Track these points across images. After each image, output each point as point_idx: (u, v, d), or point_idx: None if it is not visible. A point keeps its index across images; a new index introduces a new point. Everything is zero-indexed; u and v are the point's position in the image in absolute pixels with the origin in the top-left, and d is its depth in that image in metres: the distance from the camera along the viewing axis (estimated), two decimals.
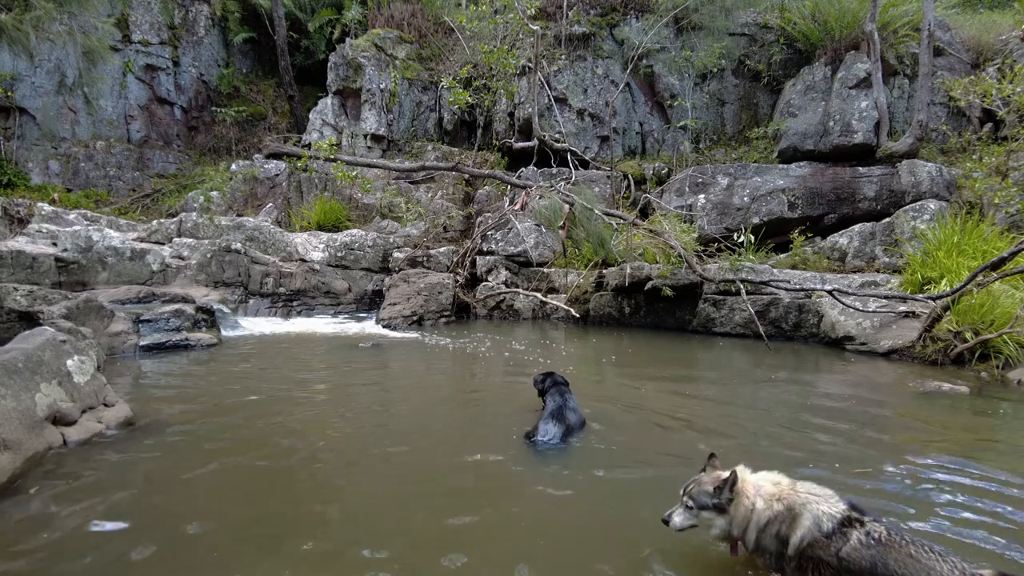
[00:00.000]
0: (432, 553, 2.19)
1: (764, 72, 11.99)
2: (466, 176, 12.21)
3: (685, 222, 9.54)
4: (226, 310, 7.98)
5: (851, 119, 9.83)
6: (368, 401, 4.48)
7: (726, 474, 1.80)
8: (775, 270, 8.22)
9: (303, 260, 9.87)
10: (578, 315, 8.92)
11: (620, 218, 9.36)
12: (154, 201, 12.69)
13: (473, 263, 10.41)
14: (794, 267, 8.79)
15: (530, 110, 11.73)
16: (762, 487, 1.79)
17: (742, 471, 1.83)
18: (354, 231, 10.85)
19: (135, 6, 13.45)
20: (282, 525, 2.40)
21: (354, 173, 10.58)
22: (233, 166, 12.39)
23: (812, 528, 1.61)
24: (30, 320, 5.61)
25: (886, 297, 6.95)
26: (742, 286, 7.54)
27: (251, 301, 8.96)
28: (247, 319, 8.32)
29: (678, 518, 1.89)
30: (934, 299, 6.18)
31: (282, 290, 9.20)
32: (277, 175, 12.57)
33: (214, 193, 11.37)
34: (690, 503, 1.86)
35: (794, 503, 1.69)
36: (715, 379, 5.57)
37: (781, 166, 10.23)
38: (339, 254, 10.19)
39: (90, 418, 3.39)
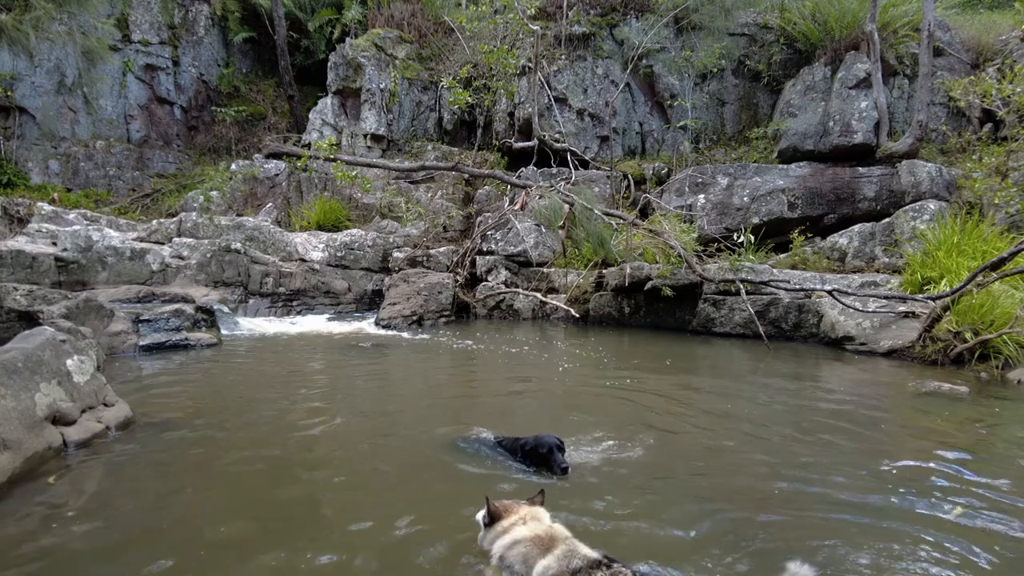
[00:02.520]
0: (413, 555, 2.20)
1: (764, 72, 11.98)
2: (466, 176, 12.20)
3: (685, 222, 9.54)
4: (226, 310, 7.98)
5: (851, 119, 9.83)
6: (367, 401, 4.48)
7: (511, 508, 2.08)
8: (775, 270, 8.22)
9: (303, 260, 9.87)
10: (578, 315, 8.92)
11: (620, 218, 9.36)
12: (154, 201, 12.69)
13: (473, 263, 10.41)
14: (794, 267, 8.79)
15: (530, 110, 11.73)
16: (533, 525, 1.98)
17: (532, 511, 2.07)
18: (354, 231, 10.85)
19: (135, 6, 13.43)
20: (279, 523, 2.40)
21: (354, 173, 10.57)
22: (233, 166, 12.39)
23: (560, 562, 1.78)
24: (30, 320, 5.61)
25: (886, 297, 6.95)
26: (742, 286, 7.54)
27: (251, 301, 8.96)
28: (247, 319, 8.32)
29: (480, 513, 2.16)
30: (934, 299, 6.18)
31: (282, 290, 9.20)
32: (277, 175, 12.56)
33: (214, 193, 11.36)
34: (486, 508, 2.11)
35: (556, 538, 1.88)
36: (714, 379, 5.57)
37: (781, 166, 10.23)
38: (339, 254, 10.19)
39: (90, 418, 3.39)
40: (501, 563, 1.93)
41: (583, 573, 1.72)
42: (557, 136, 12.18)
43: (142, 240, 9.38)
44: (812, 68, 10.99)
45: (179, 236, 9.60)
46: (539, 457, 2.90)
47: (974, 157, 9.46)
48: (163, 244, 9.27)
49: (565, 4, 12.81)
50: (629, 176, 11.54)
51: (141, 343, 6.10)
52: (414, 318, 8.55)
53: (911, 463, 3.20)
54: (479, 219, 11.19)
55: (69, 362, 3.45)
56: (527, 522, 2.00)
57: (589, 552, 1.80)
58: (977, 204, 8.66)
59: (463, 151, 13.12)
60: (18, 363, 3.06)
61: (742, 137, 12.25)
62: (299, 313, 9.22)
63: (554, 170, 11.62)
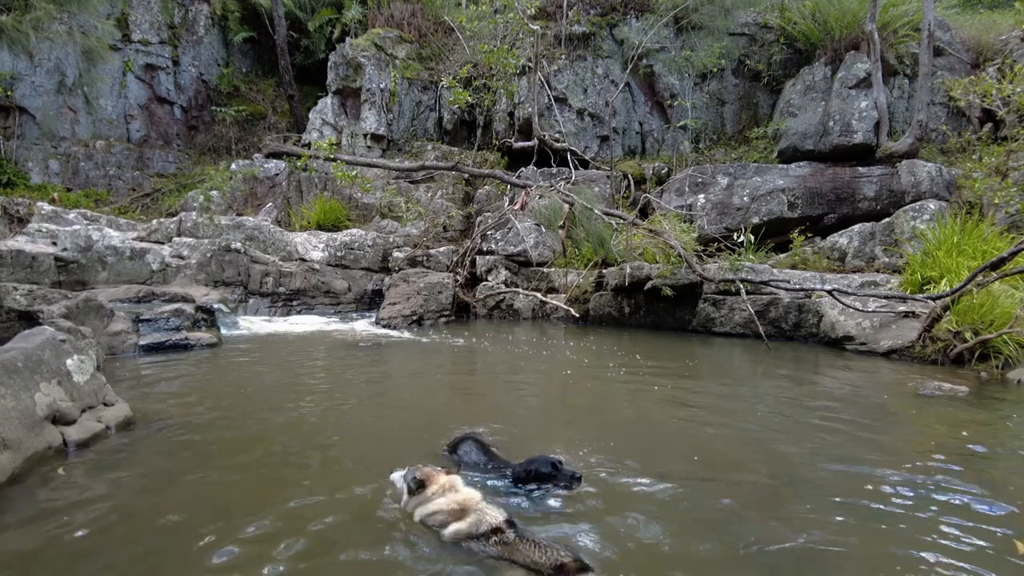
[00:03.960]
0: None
1: (764, 72, 11.98)
2: (466, 176, 12.20)
3: (685, 222, 9.54)
4: (226, 309, 7.98)
5: (851, 119, 9.83)
6: (366, 402, 4.48)
7: (433, 476, 2.42)
8: (775, 270, 8.22)
9: (303, 259, 9.87)
10: (578, 315, 8.92)
11: (620, 218, 9.35)
12: (154, 201, 12.69)
13: (473, 263, 10.41)
14: (794, 267, 8.78)
15: (530, 110, 11.73)
16: (450, 495, 2.34)
17: (451, 479, 2.42)
18: (354, 231, 10.85)
19: (135, 5, 13.43)
20: (276, 522, 2.40)
21: (354, 173, 10.57)
22: (233, 165, 12.39)
23: (469, 528, 2.22)
24: (30, 319, 5.61)
25: (886, 297, 6.95)
26: (742, 286, 7.54)
27: (251, 300, 8.96)
28: (247, 318, 8.31)
29: (396, 475, 2.57)
30: (934, 299, 6.18)
31: (282, 289, 9.20)
32: (277, 175, 12.56)
33: (214, 192, 11.36)
34: (405, 475, 2.49)
35: (468, 508, 2.28)
36: (715, 379, 5.57)
37: (781, 166, 10.23)
38: (339, 254, 10.19)
39: (90, 417, 3.39)
40: (424, 526, 2.33)
41: (485, 536, 2.17)
42: (557, 136, 12.17)
43: (142, 240, 9.38)
44: (812, 68, 10.99)
45: (179, 236, 9.59)
46: (542, 476, 2.74)
47: (974, 157, 9.47)
48: (163, 244, 9.27)
49: (565, 4, 12.81)
50: (629, 176, 11.54)
51: (141, 343, 6.10)
52: (414, 318, 8.55)
53: (908, 463, 3.20)
54: (479, 219, 11.18)
55: (69, 362, 3.45)
56: (445, 493, 2.35)
57: (492, 520, 2.21)
58: (977, 204, 8.66)
59: (463, 151, 13.12)
60: (18, 363, 3.06)
61: (742, 137, 12.24)
62: (299, 313, 9.22)
63: (554, 170, 11.62)
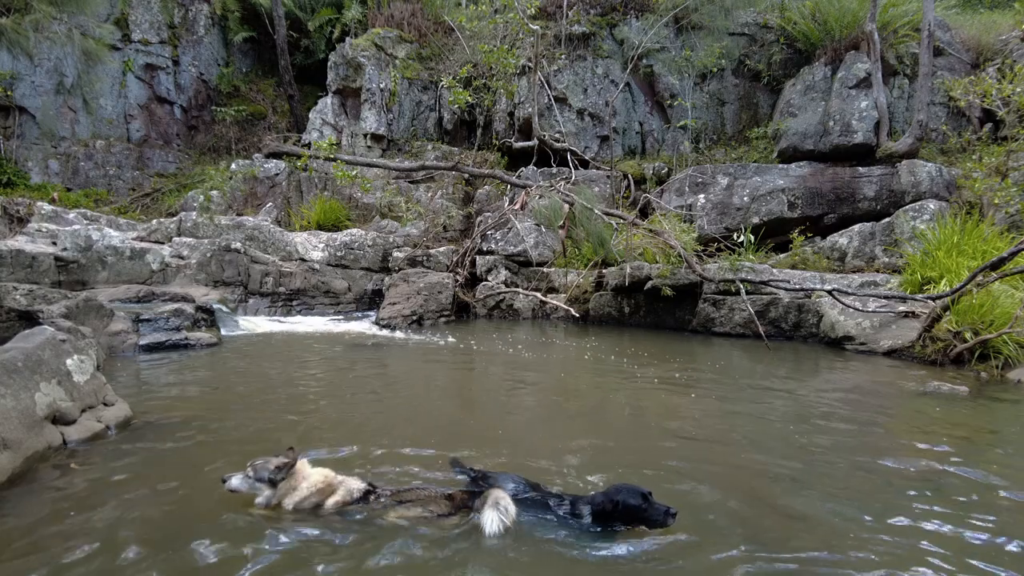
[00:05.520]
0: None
1: (764, 72, 11.98)
2: (466, 176, 12.20)
3: (685, 222, 9.54)
4: (226, 309, 7.98)
5: (851, 119, 9.83)
6: (366, 403, 4.48)
7: (287, 460, 2.43)
8: (775, 270, 8.22)
9: (303, 259, 9.87)
10: (578, 315, 8.92)
11: (620, 218, 9.36)
12: (154, 200, 12.69)
13: (473, 263, 10.41)
14: (794, 267, 8.79)
15: (530, 110, 11.73)
16: (311, 476, 2.46)
17: (302, 463, 2.49)
18: (354, 230, 10.85)
19: (135, 5, 13.43)
20: (274, 524, 2.40)
21: (354, 172, 10.57)
22: (233, 165, 12.39)
23: (345, 496, 2.42)
24: (30, 319, 5.61)
25: (886, 297, 6.95)
26: (742, 286, 7.54)
27: (251, 300, 8.96)
28: (247, 318, 8.31)
29: (236, 480, 2.43)
30: (934, 299, 6.19)
31: (282, 289, 9.20)
32: (277, 174, 12.57)
33: (214, 192, 11.36)
34: (251, 473, 2.42)
35: (333, 485, 2.44)
36: (715, 380, 5.57)
37: (781, 166, 10.23)
38: (339, 253, 10.19)
39: (90, 417, 3.39)
40: (295, 510, 2.40)
41: (360, 501, 2.40)
42: (557, 136, 12.17)
43: (142, 240, 9.38)
44: (812, 68, 10.99)
45: (179, 235, 9.59)
46: (631, 511, 2.26)
47: (974, 157, 9.47)
48: (163, 244, 9.27)
49: (565, 4, 12.81)
50: (629, 176, 11.54)
51: (141, 342, 6.10)
52: (414, 318, 8.55)
53: (907, 463, 3.20)
54: (479, 219, 11.19)
55: (69, 361, 3.45)
56: (307, 478, 2.44)
57: (360, 485, 2.45)
58: (977, 204, 8.66)
59: (463, 151, 13.12)
60: (18, 362, 3.06)
61: (742, 137, 12.25)
62: (299, 313, 9.22)
63: (554, 170, 11.62)
